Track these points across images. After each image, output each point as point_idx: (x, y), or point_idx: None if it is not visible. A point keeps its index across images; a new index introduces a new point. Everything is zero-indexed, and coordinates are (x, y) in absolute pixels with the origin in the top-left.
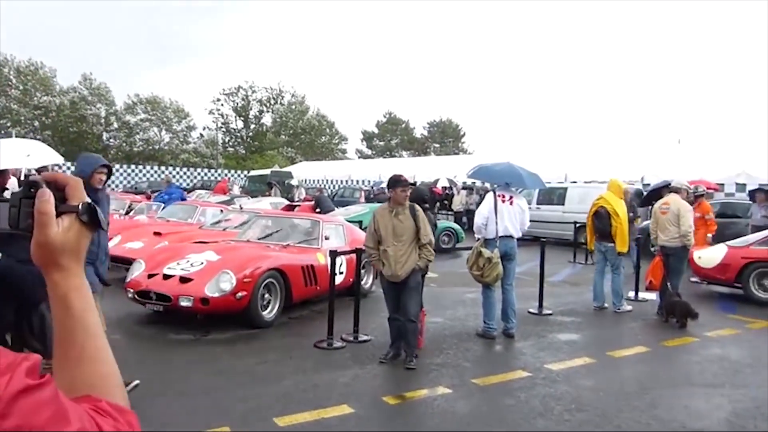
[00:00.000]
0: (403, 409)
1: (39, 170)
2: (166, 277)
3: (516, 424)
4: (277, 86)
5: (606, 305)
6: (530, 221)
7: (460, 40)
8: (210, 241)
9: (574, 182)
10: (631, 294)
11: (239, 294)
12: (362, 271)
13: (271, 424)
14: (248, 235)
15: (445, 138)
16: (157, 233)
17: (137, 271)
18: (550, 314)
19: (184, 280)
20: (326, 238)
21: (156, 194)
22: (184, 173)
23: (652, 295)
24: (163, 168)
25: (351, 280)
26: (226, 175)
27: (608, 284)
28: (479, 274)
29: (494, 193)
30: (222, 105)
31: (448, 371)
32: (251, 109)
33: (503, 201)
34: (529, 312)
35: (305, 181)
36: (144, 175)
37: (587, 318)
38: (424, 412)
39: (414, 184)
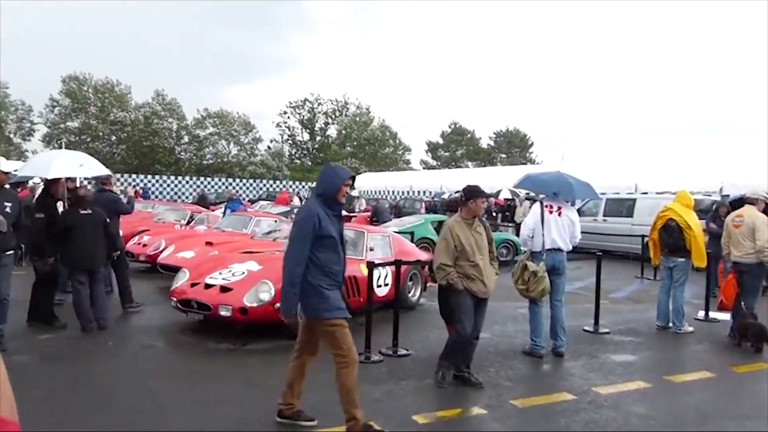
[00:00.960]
0: (432, 429)
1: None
2: (208, 286)
3: None
4: (343, 98)
5: (671, 325)
6: (596, 234)
7: (527, 47)
8: (256, 251)
9: (645, 193)
10: (701, 314)
11: (278, 304)
12: (410, 284)
13: None
14: None
15: (512, 148)
16: (208, 243)
17: (181, 280)
18: (607, 333)
19: (224, 289)
20: (371, 249)
21: (224, 205)
22: (251, 185)
23: (726, 315)
24: (230, 180)
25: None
26: (286, 186)
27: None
28: (524, 288)
29: (541, 203)
30: (288, 118)
31: (487, 391)
32: (317, 121)
33: (551, 212)
34: (584, 330)
35: (366, 192)
36: (212, 186)
37: (648, 338)
38: None
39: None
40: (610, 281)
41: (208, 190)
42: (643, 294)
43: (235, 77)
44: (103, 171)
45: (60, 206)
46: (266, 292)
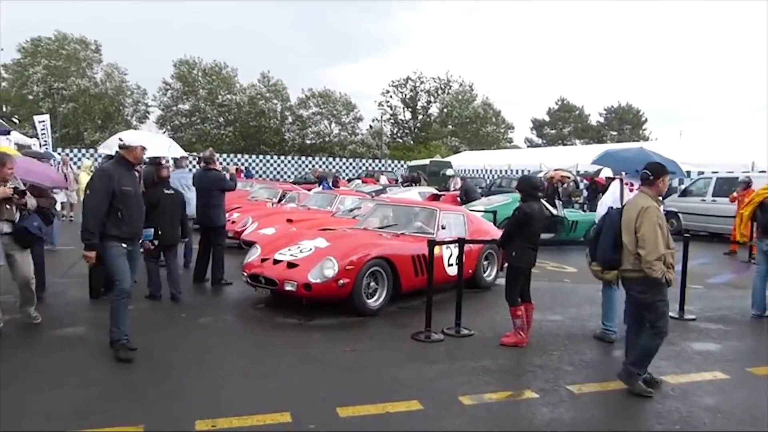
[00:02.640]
0: (475, 411)
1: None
2: (276, 262)
3: None
4: (445, 76)
5: (767, 314)
6: (703, 215)
7: (640, 18)
8: (331, 228)
9: (763, 171)
10: None
11: (341, 281)
12: (485, 263)
13: (333, 413)
14: (367, 224)
15: (624, 125)
16: (289, 220)
17: (253, 256)
18: (693, 319)
19: (291, 265)
20: (443, 228)
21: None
22: (350, 164)
23: None
24: (330, 159)
25: (470, 271)
26: (381, 166)
27: None
28: (599, 270)
29: (621, 181)
30: (391, 97)
31: (544, 374)
32: (419, 99)
33: (631, 190)
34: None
35: (464, 170)
36: (314, 166)
37: (738, 327)
38: (496, 416)
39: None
40: (712, 265)
41: (310, 169)
42: (746, 280)
43: (341, 58)
44: (182, 152)
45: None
46: (330, 269)
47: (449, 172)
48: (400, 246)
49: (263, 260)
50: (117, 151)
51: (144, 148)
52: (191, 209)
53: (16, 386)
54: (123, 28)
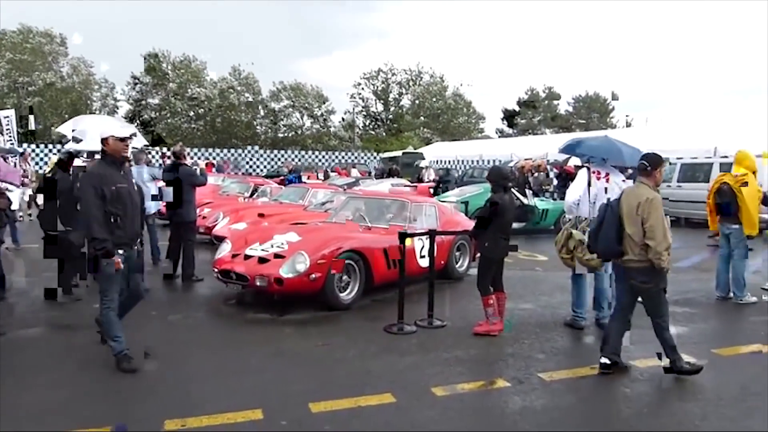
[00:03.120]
0: (447, 402)
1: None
2: (247, 257)
3: (569, 426)
4: (416, 67)
5: (731, 295)
6: (669, 200)
7: (605, 9)
8: (303, 222)
9: (725, 157)
10: None
11: (313, 275)
12: (457, 254)
13: (305, 409)
14: (338, 217)
15: (592, 113)
16: (261, 215)
17: (223, 252)
18: None
19: (262, 260)
20: (414, 220)
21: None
22: (323, 156)
23: None
24: (303, 152)
25: (442, 262)
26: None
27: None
28: (568, 258)
29: (588, 169)
30: (363, 89)
31: (516, 362)
32: (391, 91)
33: (598, 178)
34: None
35: (436, 162)
36: (286, 160)
37: (704, 309)
38: (469, 406)
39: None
40: (678, 250)
41: (282, 163)
42: (711, 263)
43: (314, 50)
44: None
45: None
46: (302, 263)
47: (423, 163)
48: (371, 239)
49: (234, 255)
50: (102, 149)
51: (123, 138)
52: (149, 204)
53: None
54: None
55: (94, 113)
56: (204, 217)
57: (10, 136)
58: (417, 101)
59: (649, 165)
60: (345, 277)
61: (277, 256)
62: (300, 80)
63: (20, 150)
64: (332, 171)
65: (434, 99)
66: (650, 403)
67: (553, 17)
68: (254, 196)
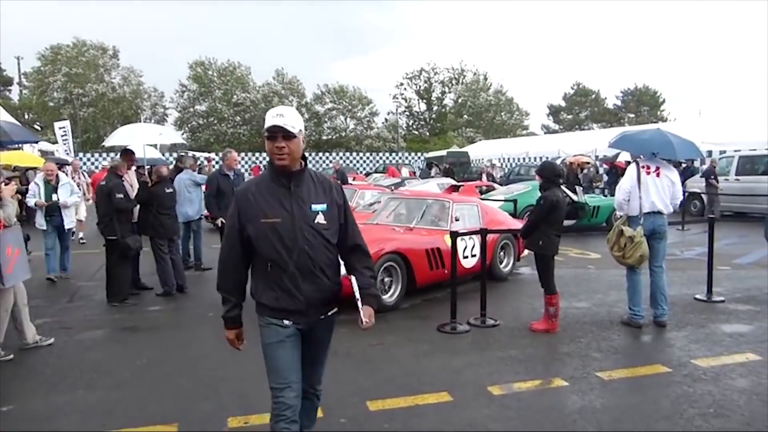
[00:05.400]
0: (505, 401)
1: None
2: None
3: (631, 425)
4: (459, 65)
5: None
6: (726, 195)
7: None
8: None
9: None
10: None
11: None
12: (501, 254)
13: (363, 407)
14: (379, 218)
15: (641, 107)
16: None
17: None
18: (721, 301)
19: None
20: (456, 220)
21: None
22: (368, 158)
23: None
24: (347, 154)
25: (486, 262)
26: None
27: None
28: (620, 255)
29: (637, 164)
30: (405, 89)
31: (573, 362)
32: (434, 91)
33: (648, 173)
34: (696, 298)
35: (481, 160)
36: (331, 161)
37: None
38: (525, 404)
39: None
40: (738, 245)
41: (327, 165)
42: None
43: (350, 51)
44: (179, 138)
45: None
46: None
47: (485, 162)
48: (412, 240)
49: None
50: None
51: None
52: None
53: (47, 389)
54: (138, 32)
55: (145, 122)
56: None
57: (67, 147)
58: (459, 99)
59: None
60: (387, 279)
61: None
62: (342, 83)
63: (68, 159)
64: (384, 171)
65: (475, 97)
66: (715, 404)
67: (596, 11)
68: None
